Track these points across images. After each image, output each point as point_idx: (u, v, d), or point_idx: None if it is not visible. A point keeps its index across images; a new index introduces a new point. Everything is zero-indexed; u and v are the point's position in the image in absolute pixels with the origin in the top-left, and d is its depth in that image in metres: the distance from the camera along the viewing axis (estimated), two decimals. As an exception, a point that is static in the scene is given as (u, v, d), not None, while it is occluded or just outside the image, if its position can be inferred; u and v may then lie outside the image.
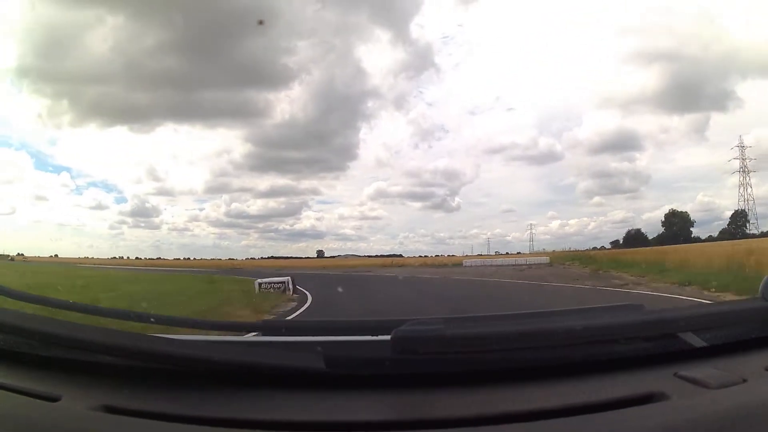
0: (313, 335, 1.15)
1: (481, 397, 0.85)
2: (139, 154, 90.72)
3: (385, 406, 0.86)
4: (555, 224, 69.03)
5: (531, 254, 51.45)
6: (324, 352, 0.90)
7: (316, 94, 61.03)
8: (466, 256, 53.07)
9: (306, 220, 72.65)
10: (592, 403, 0.78)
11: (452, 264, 41.50)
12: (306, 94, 61.81)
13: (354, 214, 72.49)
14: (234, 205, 72.32)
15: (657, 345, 0.97)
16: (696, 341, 0.97)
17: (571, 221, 67.78)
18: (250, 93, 70.20)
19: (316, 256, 65.90)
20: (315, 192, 76.33)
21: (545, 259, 39.15)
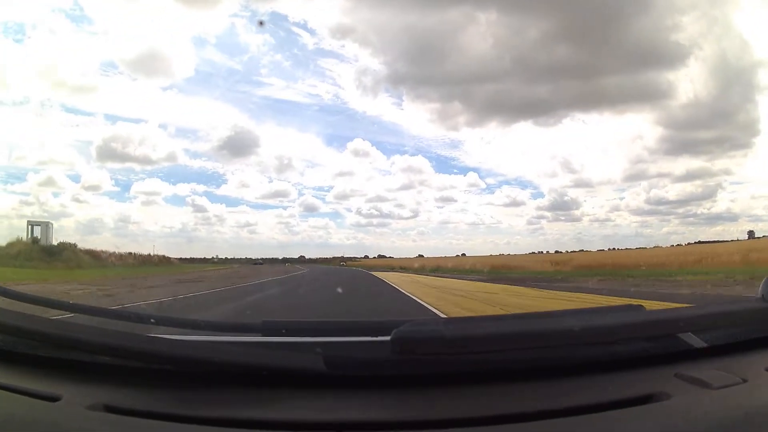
0: (312, 336, 1.15)
1: (481, 398, 0.85)
2: (549, 147, 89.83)
3: (385, 407, 0.86)
4: None
5: None
6: (323, 353, 0.90)
7: (712, 69, 59.97)
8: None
9: (721, 203, 71.38)
10: (593, 403, 0.78)
11: None
12: (703, 70, 61.25)
13: (764, 192, 69.01)
14: (653, 192, 72.74)
15: (657, 345, 0.97)
16: (696, 342, 0.97)
17: None
18: (651, 74, 69.07)
19: (747, 237, 56.98)
20: (727, 172, 74.73)
21: None
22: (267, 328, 1.24)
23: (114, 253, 44.44)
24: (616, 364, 0.94)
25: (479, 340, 0.91)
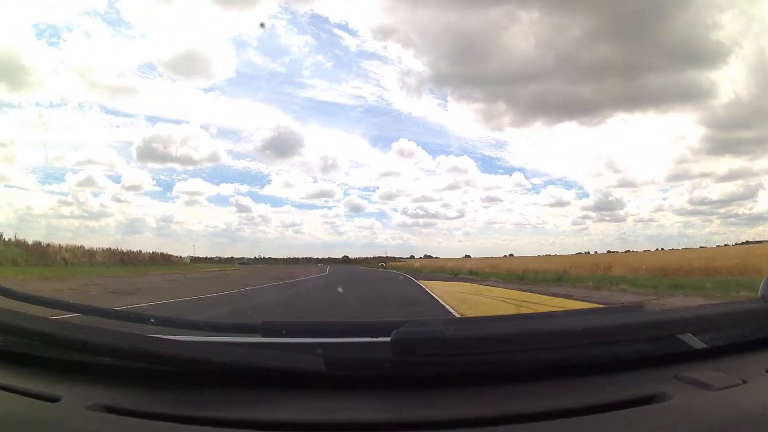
0: (313, 337, 1.15)
1: (481, 399, 0.85)
2: (594, 147, 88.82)
3: (385, 408, 0.85)
4: None
5: None
6: (324, 353, 0.89)
7: (752, 68, 60.26)
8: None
9: (762, 203, 70.62)
10: (593, 404, 0.78)
11: None
12: (744, 68, 61.60)
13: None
14: (696, 192, 72.40)
15: (657, 346, 0.97)
16: (696, 343, 0.97)
17: None
18: (693, 73, 69.68)
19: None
20: None
21: None
22: (267, 328, 1.24)
23: (78, 247, 36.21)
24: (616, 364, 0.94)
25: (480, 341, 0.91)
